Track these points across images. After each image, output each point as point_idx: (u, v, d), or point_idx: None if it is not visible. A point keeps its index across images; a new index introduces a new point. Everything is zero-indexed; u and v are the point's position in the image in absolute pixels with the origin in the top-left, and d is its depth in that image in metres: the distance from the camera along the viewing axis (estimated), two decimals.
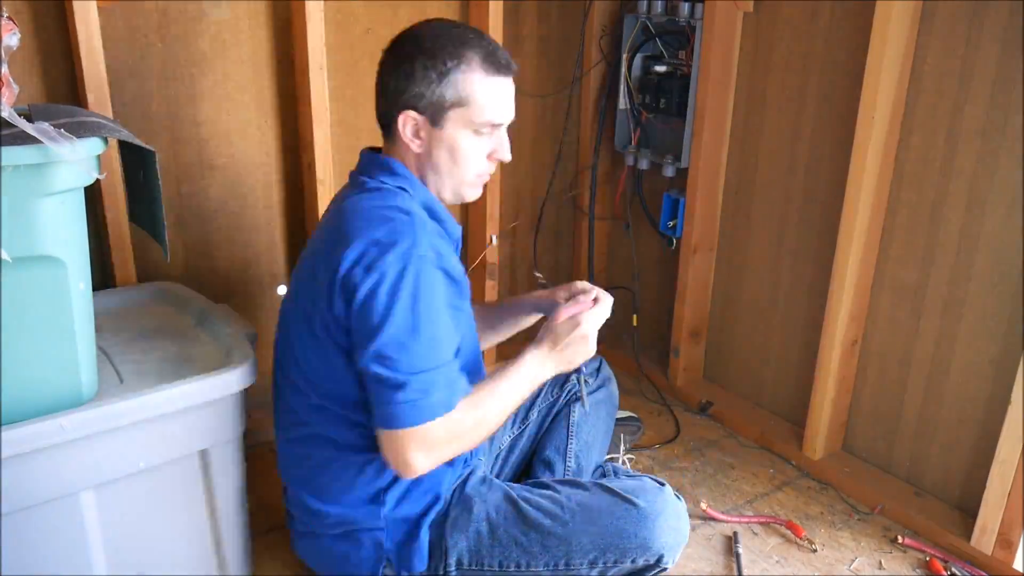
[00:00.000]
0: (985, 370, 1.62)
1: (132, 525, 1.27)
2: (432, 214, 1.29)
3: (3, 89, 1.09)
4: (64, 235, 1.11)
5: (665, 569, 1.33)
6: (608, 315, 1.35)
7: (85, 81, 1.51)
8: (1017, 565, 1.55)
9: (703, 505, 1.74)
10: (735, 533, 1.68)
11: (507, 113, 1.27)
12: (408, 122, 1.24)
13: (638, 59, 2.11)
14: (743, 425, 2.06)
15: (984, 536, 1.58)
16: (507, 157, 1.30)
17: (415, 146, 1.26)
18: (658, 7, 2.04)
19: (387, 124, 1.27)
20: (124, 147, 1.31)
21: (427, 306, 1.17)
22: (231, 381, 1.28)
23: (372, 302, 1.15)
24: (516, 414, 1.61)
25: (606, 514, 1.30)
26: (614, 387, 1.68)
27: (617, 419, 1.84)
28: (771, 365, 2.06)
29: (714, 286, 2.15)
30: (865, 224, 1.70)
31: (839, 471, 1.85)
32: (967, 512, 1.68)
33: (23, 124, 1.02)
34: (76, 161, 1.07)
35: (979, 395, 1.64)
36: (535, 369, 1.31)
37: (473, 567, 1.31)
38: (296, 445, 1.35)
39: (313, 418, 1.31)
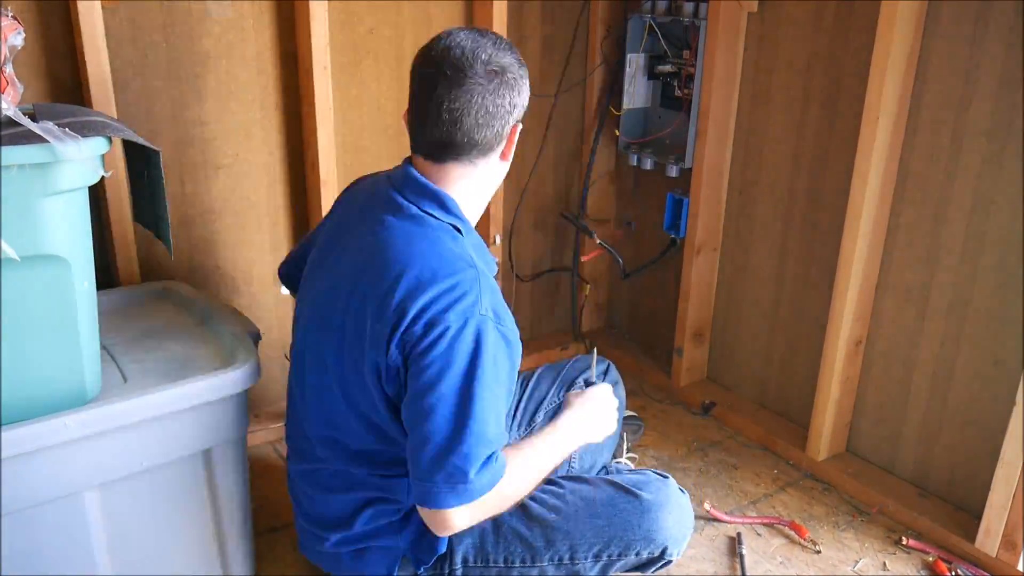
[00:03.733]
0: (990, 371, 1.62)
1: (135, 524, 1.27)
2: (481, 252, 1.25)
3: (8, 88, 1.09)
4: (68, 234, 1.11)
5: (670, 562, 1.33)
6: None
7: (89, 80, 1.51)
8: (1021, 567, 1.55)
9: (706, 506, 1.73)
10: (739, 534, 1.68)
11: None
12: (515, 138, 1.23)
13: (642, 59, 2.11)
14: (746, 426, 2.05)
15: (988, 537, 1.58)
16: None
17: (503, 166, 1.25)
18: (662, 7, 2.04)
19: (487, 148, 1.21)
20: (128, 146, 1.31)
21: (485, 376, 1.13)
22: (234, 381, 1.28)
23: (430, 366, 1.11)
24: (523, 415, 1.62)
25: (609, 506, 1.30)
26: (621, 391, 1.67)
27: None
28: (775, 366, 2.06)
29: (718, 286, 2.15)
30: (870, 224, 1.70)
31: (843, 472, 1.84)
32: (971, 513, 1.67)
33: (28, 123, 1.02)
34: (81, 160, 1.07)
35: (984, 396, 1.64)
36: (571, 431, 1.32)
37: (479, 564, 1.31)
38: (315, 474, 1.33)
39: (337, 452, 1.29)
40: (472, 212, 1.27)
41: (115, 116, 1.55)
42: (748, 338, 2.11)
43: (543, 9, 2.12)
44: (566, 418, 1.34)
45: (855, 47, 1.72)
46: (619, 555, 1.30)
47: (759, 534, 1.69)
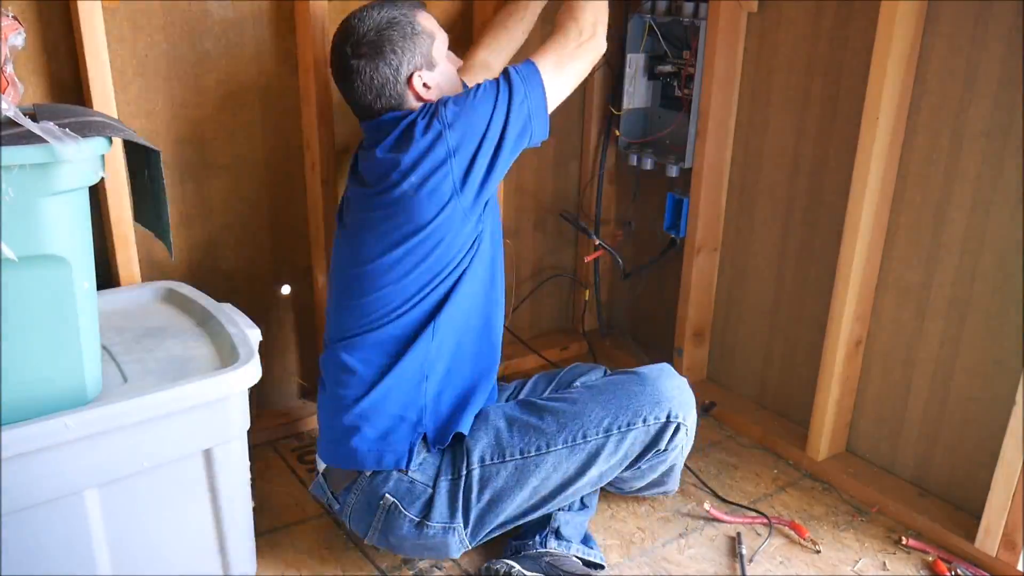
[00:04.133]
0: (989, 371, 1.62)
1: (136, 524, 1.27)
2: None
3: (8, 88, 1.09)
4: (69, 234, 1.11)
5: (678, 428, 1.44)
6: None
7: (90, 80, 1.51)
8: (1021, 567, 1.55)
9: (706, 506, 1.74)
10: (738, 534, 1.68)
11: (445, 34, 1.50)
12: (418, 81, 1.43)
13: (642, 59, 2.11)
14: (746, 426, 2.05)
15: (988, 537, 1.58)
16: (458, 60, 1.56)
17: (432, 94, 1.45)
18: (662, 7, 2.03)
19: (396, 101, 1.44)
20: (129, 146, 1.31)
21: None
22: (235, 380, 1.28)
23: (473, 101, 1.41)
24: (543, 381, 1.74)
25: (613, 384, 1.49)
26: None
27: None
28: (775, 366, 2.06)
29: (718, 286, 2.15)
30: (869, 224, 1.70)
31: (843, 472, 1.84)
32: (971, 513, 1.67)
33: (28, 123, 1.02)
34: (80, 160, 1.07)
35: (983, 396, 1.64)
36: None
37: (495, 460, 1.41)
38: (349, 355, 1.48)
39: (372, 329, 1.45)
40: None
41: (115, 116, 1.55)
42: (748, 338, 2.11)
43: (543, 9, 2.12)
44: None
45: (855, 47, 1.72)
46: (628, 424, 1.41)
47: (759, 534, 1.70)
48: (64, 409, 1.14)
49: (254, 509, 1.45)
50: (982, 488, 1.58)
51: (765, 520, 1.72)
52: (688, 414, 1.47)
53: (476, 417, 1.47)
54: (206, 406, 1.26)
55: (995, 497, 1.55)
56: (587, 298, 2.42)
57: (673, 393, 1.45)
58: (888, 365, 1.79)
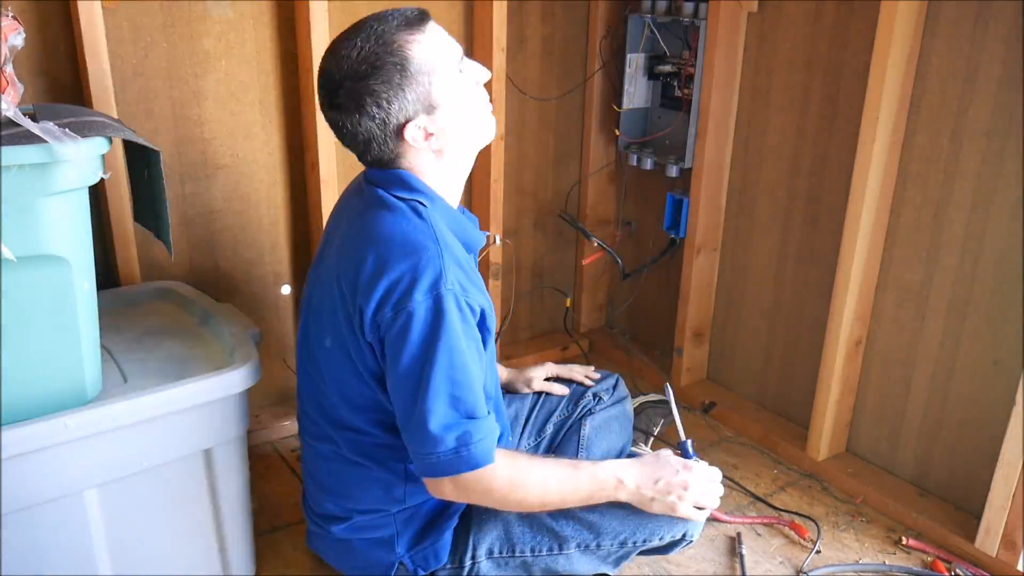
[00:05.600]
0: (989, 371, 1.62)
1: (135, 524, 1.27)
2: (456, 224, 1.26)
3: (8, 88, 1.09)
4: (69, 234, 1.11)
5: (691, 542, 1.38)
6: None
7: (90, 81, 1.51)
8: (1021, 567, 1.55)
9: None
10: (738, 534, 1.68)
11: (456, 48, 1.21)
12: (415, 132, 1.18)
13: (642, 59, 2.11)
14: (746, 426, 2.05)
15: (988, 537, 1.58)
16: (486, 70, 1.25)
17: (434, 143, 1.20)
18: (662, 7, 2.03)
19: (392, 157, 1.21)
20: (128, 147, 1.31)
21: (462, 350, 1.15)
22: (235, 380, 1.28)
23: (403, 348, 1.14)
24: (533, 426, 1.63)
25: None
26: (629, 406, 1.67)
27: (648, 403, 2.01)
28: (775, 366, 2.06)
29: (718, 286, 2.15)
30: (869, 224, 1.70)
31: (843, 472, 1.84)
32: (971, 513, 1.67)
33: (28, 123, 1.02)
34: (80, 161, 1.07)
35: (983, 396, 1.64)
36: (614, 472, 1.29)
37: (504, 554, 1.35)
38: (319, 452, 1.36)
39: (337, 431, 1.31)
40: (441, 187, 1.26)
41: (115, 116, 1.55)
42: (748, 338, 2.11)
43: (543, 9, 2.12)
44: (618, 462, 1.31)
45: (855, 47, 1.72)
46: (644, 540, 1.35)
47: (759, 534, 1.69)
48: (64, 409, 1.14)
49: (254, 509, 1.45)
50: (982, 488, 1.58)
51: (765, 520, 1.72)
52: (699, 530, 1.38)
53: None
54: (206, 406, 1.26)
55: (995, 497, 1.55)
56: (568, 306, 2.42)
57: (693, 515, 1.34)
58: (888, 365, 1.79)
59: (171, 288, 1.60)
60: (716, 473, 1.35)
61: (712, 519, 1.72)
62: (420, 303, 1.13)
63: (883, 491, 1.77)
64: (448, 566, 1.34)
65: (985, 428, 1.64)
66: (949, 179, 1.62)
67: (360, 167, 1.30)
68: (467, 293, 1.18)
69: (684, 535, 1.35)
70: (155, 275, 1.71)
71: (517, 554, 1.34)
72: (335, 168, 1.83)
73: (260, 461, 1.86)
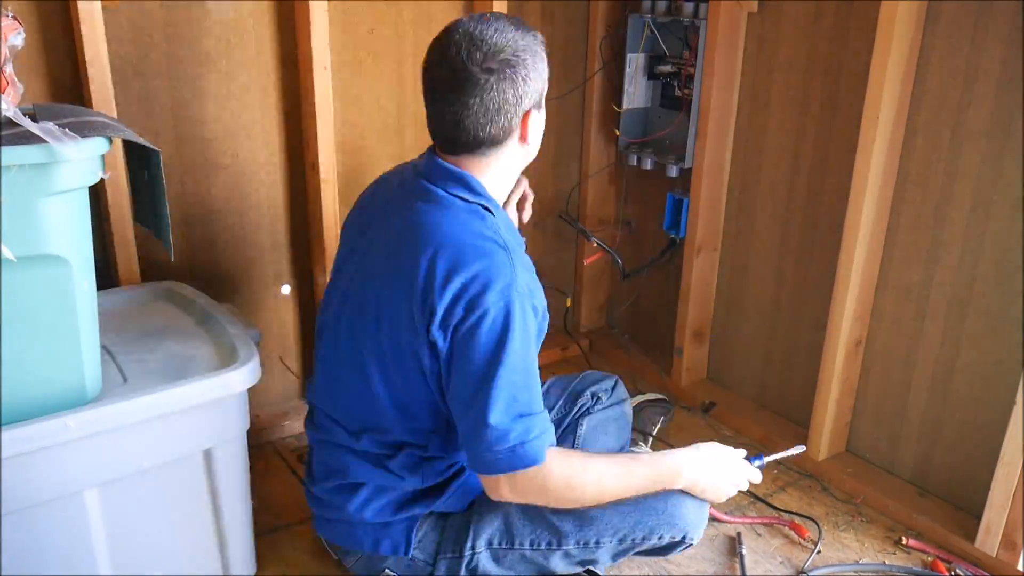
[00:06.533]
0: (989, 371, 1.62)
1: (136, 524, 1.27)
2: (510, 229, 1.29)
3: (8, 88, 1.09)
4: (69, 234, 1.11)
5: (690, 545, 1.39)
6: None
7: (90, 81, 1.51)
8: (1021, 567, 1.55)
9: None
10: (738, 534, 1.68)
11: None
12: (536, 120, 1.23)
13: (642, 59, 2.11)
14: (746, 426, 2.05)
15: (988, 537, 1.58)
16: None
17: (526, 149, 1.26)
18: (662, 7, 2.03)
19: (496, 141, 1.22)
20: (128, 147, 1.31)
21: (526, 351, 1.19)
22: (235, 380, 1.28)
23: (472, 345, 1.16)
24: None
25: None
26: (628, 407, 1.68)
27: (647, 402, 2.01)
28: (775, 366, 2.06)
29: (718, 286, 2.15)
30: (869, 224, 1.70)
31: (843, 472, 1.84)
32: (971, 513, 1.67)
33: (28, 123, 1.02)
34: (80, 160, 1.07)
35: (983, 396, 1.64)
36: (679, 466, 1.32)
37: (504, 545, 1.36)
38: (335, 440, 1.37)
39: (360, 424, 1.33)
40: (498, 193, 1.30)
41: (115, 116, 1.55)
42: (748, 338, 2.11)
43: (543, 9, 2.12)
44: (679, 454, 1.35)
45: (855, 47, 1.72)
46: (643, 539, 1.35)
47: (759, 534, 1.69)
48: (64, 409, 1.14)
49: (254, 509, 1.45)
50: (982, 488, 1.58)
51: (765, 520, 1.72)
52: (699, 532, 1.39)
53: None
54: (206, 406, 1.26)
55: (995, 497, 1.55)
56: (568, 305, 2.42)
57: (691, 517, 1.36)
58: (888, 365, 1.79)
59: (171, 288, 1.60)
60: (758, 475, 1.42)
61: (712, 519, 1.72)
62: (493, 304, 1.16)
63: (883, 491, 1.77)
64: (449, 555, 1.36)
65: (985, 428, 1.64)
66: (949, 179, 1.62)
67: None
68: (533, 296, 1.23)
69: (684, 537, 1.36)
70: (155, 275, 1.71)
71: (516, 547, 1.35)
72: (334, 168, 1.84)
73: (260, 461, 1.86)
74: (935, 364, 1.71)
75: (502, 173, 1.28)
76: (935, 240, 1.66)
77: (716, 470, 1.36)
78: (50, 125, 1.04)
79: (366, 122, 1.92)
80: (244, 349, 1.34)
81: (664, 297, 2.29)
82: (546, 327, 1.31)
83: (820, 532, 1.67)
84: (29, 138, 1.01)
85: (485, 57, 1.15)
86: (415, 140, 1.99)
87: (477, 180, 1.24)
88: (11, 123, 1.03)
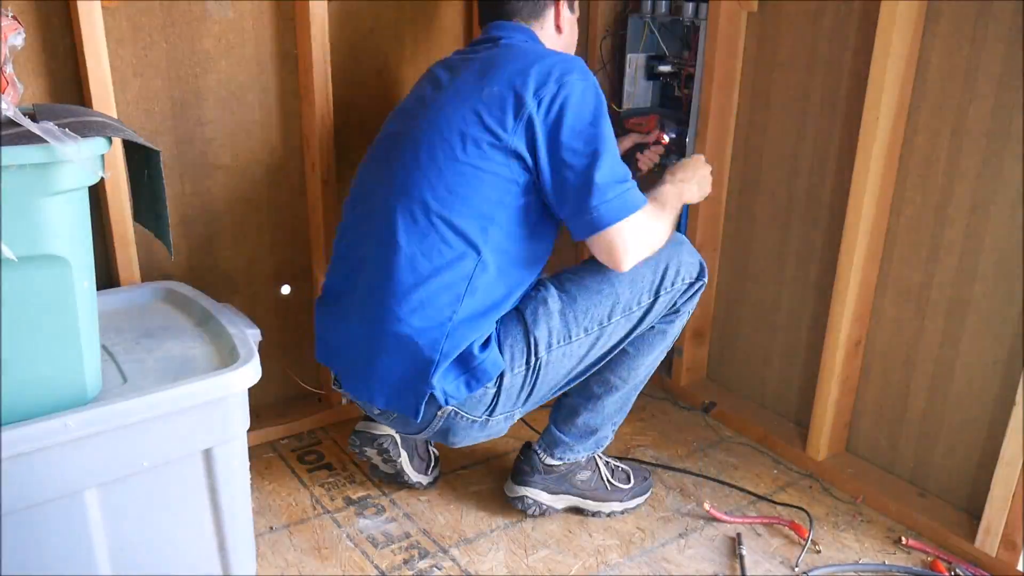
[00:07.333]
0: (989, 371, 1.62)
1: (136, 524, 1.27)
2: None
3: (8, 88, 1.09)
4: (69, 234, 1.11)
5: (704, 285, 1.58)
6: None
7: (89, 80, 1.51)
8: (1021, 567, 1.55)
9: (706, 506, 1.73)
10: (738, 534, 1.68)
11: None
12: (565, 15, 1.54)
13: (642, 59, 2.11)
14: (746, 426, 2.05)
15: (988, 537, 1.58)
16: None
17: (562, 39, 1.56)
18: (662, 7, 2.03)
19: (535, 10, 1.52)
20: (128, 146, 1.31)
21: (611, 128, 1.38)
22: (235, 380, 1.28)
23: (570, 111, 1.33)
24: None
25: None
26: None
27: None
28: (774, 366, 2.06)
29: (717, 286, 2.15)
30: (869, 224, 1.70)
31: (842, 472, 1.84)
32: (971, 513, 1.67)
33: (28, 123, 1.02)
34: (80, 160, 1.07)
35: (984, 396, 1.64)
36: (677, 191, 1.54)
37: (563, 343, 1.45)
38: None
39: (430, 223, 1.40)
40: None
41: (115, 116, 1.55)
42: (748, 338, 2.11)
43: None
44: (672, 179, 1.56)
45: (855, 47, 1.72)
46: (672, 283, 1.51)
47: (759, 534, 1.69)
48: (64, 409, 1.14)
49: (254, 509, 1.45)
50: (982, 488, 1.58)
51: (765, 520, 1.72)
52: (704, 269, 1.59)
53: (527, 298, 1.47)
54: (206, 406, 1.26)
55: (995, 497, 1.55)
56: None
57: (694, 257, 1.57)
58: (888, 365, 1.79)
59: (171, 288, 1.60)
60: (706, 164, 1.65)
61: (712, 519, 1.72)
62: (579, 79, 1.36)
63: (883, 491, 1.78)
64: (513, 371, 1.42)
65: (985, 428, 1.64)
66: (949, 179, 1.62)
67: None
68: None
69: (701, 270, 1.56)
70: (155, 275, 1.71)
71: (573, 339, 1.45)
72: (335, 168, 1.84)
73: (260, 461, 1.86)
74: (935, 364, 1.71)
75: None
76: (935, 240, 1.66)
77: (696, 175, 1.60)
78: (50, 125, 1.04)
79: (367, 123, 1.92)
80: (244, 349, 1.34)
81: None
82: None
83: (811, 522, 1.67)
84: (29, 138, 1.01)
85: None
86: None
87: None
88: (11, 123, 1.03)
